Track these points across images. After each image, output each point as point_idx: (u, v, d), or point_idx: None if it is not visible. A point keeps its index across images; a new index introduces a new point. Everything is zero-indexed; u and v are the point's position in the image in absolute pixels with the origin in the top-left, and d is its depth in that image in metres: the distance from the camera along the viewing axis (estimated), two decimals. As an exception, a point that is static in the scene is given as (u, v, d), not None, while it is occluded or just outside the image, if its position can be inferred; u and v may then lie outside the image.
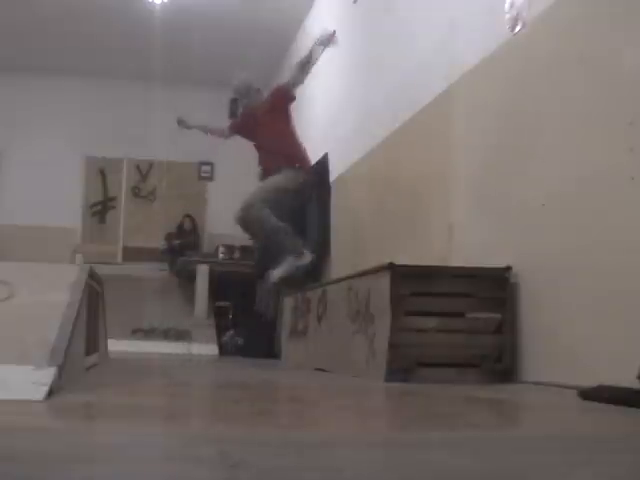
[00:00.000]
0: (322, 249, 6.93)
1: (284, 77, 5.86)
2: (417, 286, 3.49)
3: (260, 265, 7.21)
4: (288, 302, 5.79)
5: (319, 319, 4.67)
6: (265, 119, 5.64)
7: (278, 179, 5.41)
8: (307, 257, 5.00)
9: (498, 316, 3.47)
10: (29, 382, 1.98)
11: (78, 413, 1.96)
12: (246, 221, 5.36)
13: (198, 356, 7.11)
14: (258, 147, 5.90)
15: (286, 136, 5.58)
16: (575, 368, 2.98)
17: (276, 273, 5.20)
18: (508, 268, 3.48)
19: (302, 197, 5.64)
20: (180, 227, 10.70)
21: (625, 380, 2.34)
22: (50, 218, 10.60)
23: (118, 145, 10.96)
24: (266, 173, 5.66)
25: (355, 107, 6.46)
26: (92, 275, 3.03)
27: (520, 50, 3.66)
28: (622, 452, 1.48)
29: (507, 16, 3.75)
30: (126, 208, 11.46)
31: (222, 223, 10.38)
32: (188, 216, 10.78)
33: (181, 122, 6.43)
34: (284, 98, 5.66)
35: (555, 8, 3.36)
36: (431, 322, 3.46)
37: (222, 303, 8.85)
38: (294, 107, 5.88)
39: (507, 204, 3.71)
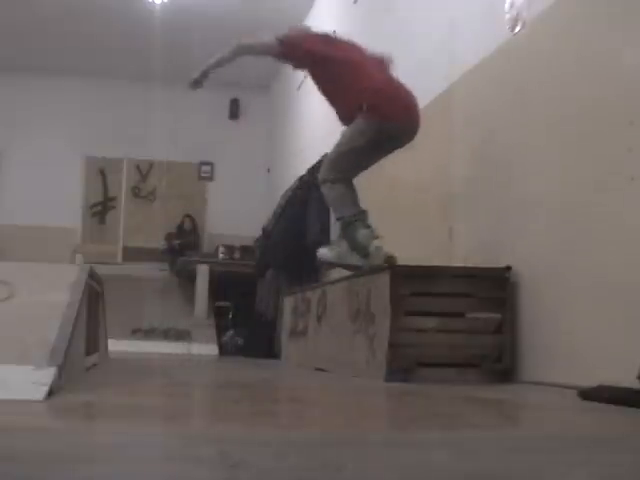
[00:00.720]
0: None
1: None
2: (417, 286, 3.49)
3: (261, 264, 7.21)
4: (288, 302, 5.79)
5: (319, 319, 4.66)
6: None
7: (343, 136, 4.11)
8: (366, 261, 3.89)
9: (498, 316, 3.47)
10: (29, 382, 1.98)
11: (78, 413, 1.96)
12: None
13: (198, 356, 7.11)
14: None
15: (329, 87, 4.22)
16: (575, 368, 2.98)
17: (324, 253, 4.17)
18: (508, 268, 3.48)
19: (379, 148, 4.10)
20: (180, 227, 10.70)
21: (625, 380, 2.34)
22: (50, 218, 10.60)
23: (118, 145, 10.96)
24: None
25: (355, 107, 6.45)
26: (92, 275, 3.03)
27: (520, 50, 3.66)
28: (622, 452, 1.48)
29: (507, 16, 3.75)
30: (126, 208, 11.45)
31: (222, 223, 10.42)
32: (188, 216, 10.78)
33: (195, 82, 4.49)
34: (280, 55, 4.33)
35: (555, 8, 3.36)
36: (431, 322, 3.46)
37: (222, 303, 8.85)
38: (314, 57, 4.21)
39: (507, 204, 3.71)
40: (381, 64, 4.26)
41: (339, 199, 4.00)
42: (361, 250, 3.89)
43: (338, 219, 4.02)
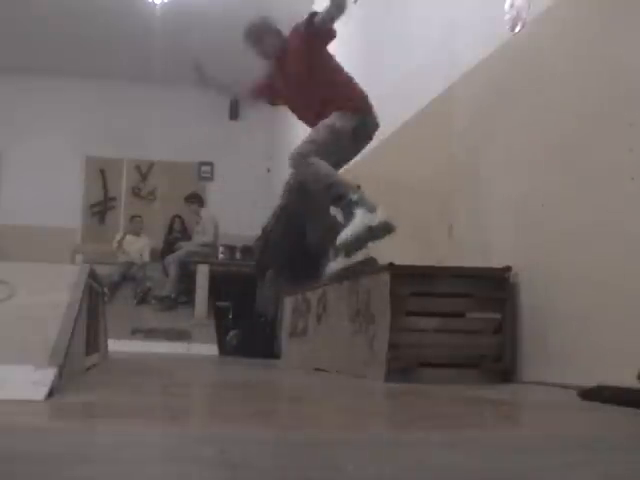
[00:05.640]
0: (322, 249, 6.93)
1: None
2: (417, 286, 3.49)
3: (261, 264, 7.20)
4: (288, 302, 5.78)
5: (319, 319, 4.66)
6: (296, 65, 4.47)
7: (325, 125, 4.16)
8: (379, 215, 3.84)
9: (498, 316, 3.47)
10: (29, 382, 1.98)
11: (78, 413, 1.96)
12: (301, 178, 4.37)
13: (198, 356, 7.10)
14: (293, 104, 4.66)
15: (328, 79, 4.31)
16: (575, 368, 2.98)
17: (344, 235, 3.90)
18: (508, 268, 3.48)
19: (358, 144, 4.33)
20: (170, 227, 10.71)
21: (625, 380, 2.34)
22: (50, 218, 10.61)
23: (118, 145, 10.97)
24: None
25: (355, 107, 6.45)
26: (92, 275, 3.03)
27: (520, 50, 3.66)
28: (622, 452, 1.48)
29: (507, 16, 3.76)
30: (126, 208, 11.46)
31: (222, 223, 10.42)
32: (178, 216, 10.78)
33: (199, 68, 4.96)
34: (316, 35, 4.37)
35: (555, 8, 3.36)
36: (431, 322, 3.46)
37: (222, 303, 8.85)
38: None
39: (507, 204, 3.71)
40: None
41: (325, 168, 3.99)
42: (363, 203, 3.85)
43: (339, 196, 3.92)
